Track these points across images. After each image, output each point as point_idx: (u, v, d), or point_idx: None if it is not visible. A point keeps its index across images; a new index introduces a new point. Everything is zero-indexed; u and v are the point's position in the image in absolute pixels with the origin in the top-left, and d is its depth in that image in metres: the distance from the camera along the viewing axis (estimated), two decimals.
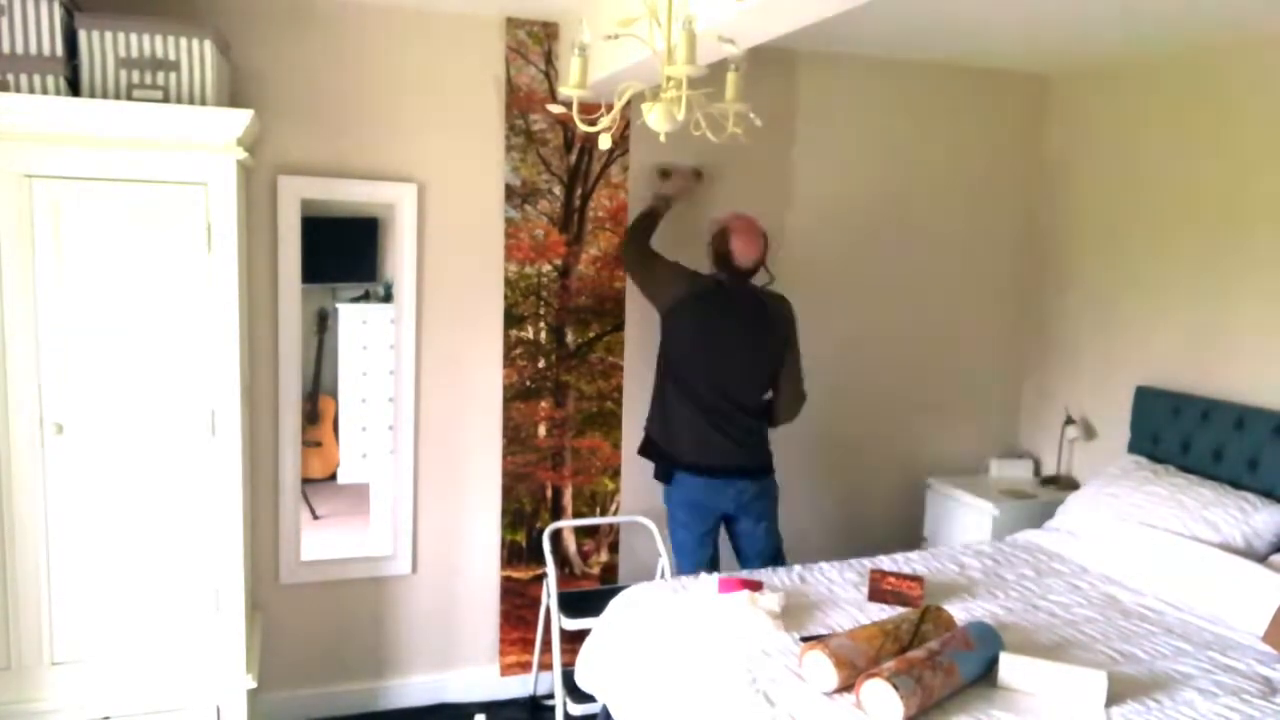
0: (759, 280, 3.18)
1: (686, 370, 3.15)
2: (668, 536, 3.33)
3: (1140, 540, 2.94)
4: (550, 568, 3.29)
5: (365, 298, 3.35)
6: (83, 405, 2.50)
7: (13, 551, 2.49)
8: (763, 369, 3.21)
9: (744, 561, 3.29)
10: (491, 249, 3.36)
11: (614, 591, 2.94)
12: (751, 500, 3.22)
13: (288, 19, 3.04)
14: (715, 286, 3.14)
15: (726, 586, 2.67)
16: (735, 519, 3.26)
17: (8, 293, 2.40)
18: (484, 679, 3.51)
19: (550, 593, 3.27)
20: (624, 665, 2.63)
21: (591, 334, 3.50)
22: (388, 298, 3.30)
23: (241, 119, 2.48)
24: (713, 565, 3.27)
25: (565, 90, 2.00)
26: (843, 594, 2.76)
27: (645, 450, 3.30)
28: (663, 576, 3.35)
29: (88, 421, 2.51)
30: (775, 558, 3.28)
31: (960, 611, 2.64)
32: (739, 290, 3.16)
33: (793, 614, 2.60)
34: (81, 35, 2.42)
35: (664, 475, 3.23)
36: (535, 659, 3.50)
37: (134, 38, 2.45)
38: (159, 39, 2.47)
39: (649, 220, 3.32)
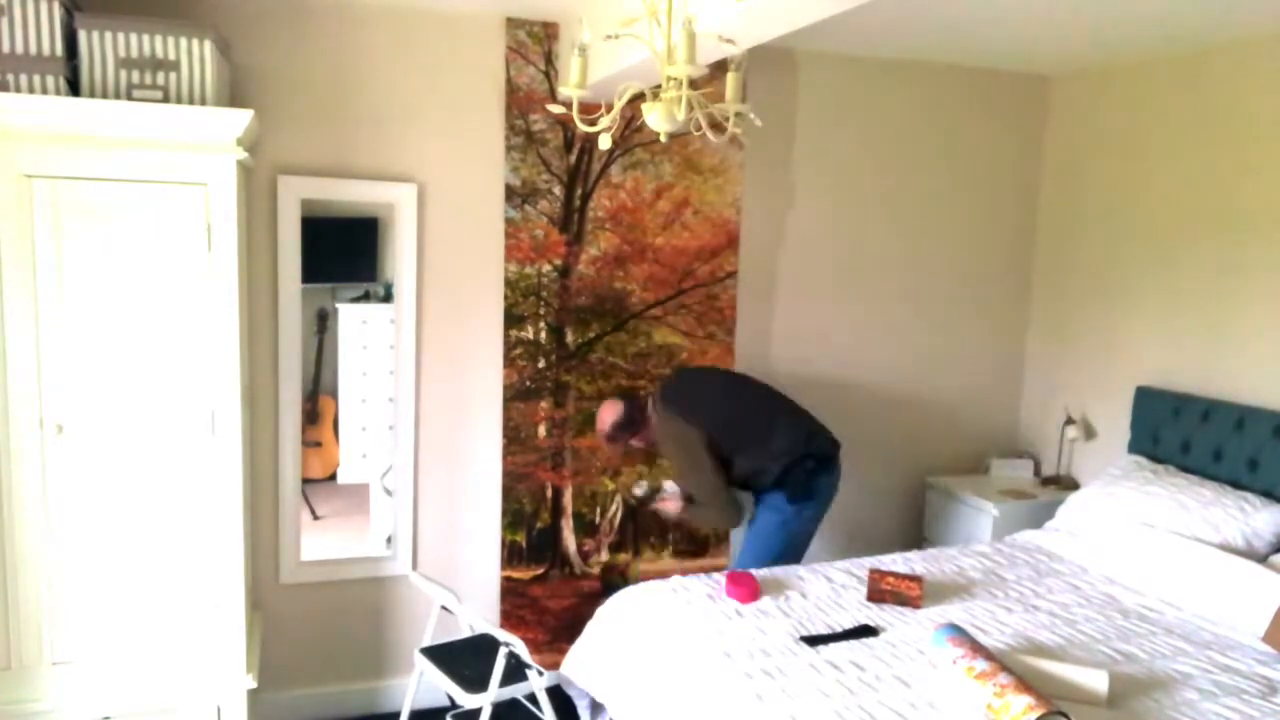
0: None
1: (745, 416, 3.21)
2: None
3: (1140, 540, 2.94)
4: None
5: (365, 298, 3.35)
6: (83, 405, 2.50)
7: (13, 551, 2.49)
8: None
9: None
10: (491, 249, 3.36)
11: None
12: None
13: (288, 19, 3.04)
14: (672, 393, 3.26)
15: (734, 587, 2.66)
16: None
17: (8, 293, 2.40)
18: None
19: None
20: (631, 667, 2.63)
21: (591, 334, 3.49)
22: (388, 298, 3.30)
23: (241, 119, 2.48)
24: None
25: (565, 90, 2.00)
26: (843, 594, 2.76)
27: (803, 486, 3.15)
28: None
29: (88, 421, 2.51)
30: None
31: (961, 611, 2.64)
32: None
33: (793, 614, 2.60)
34: (81, 35, 2.42)
35: (805, 488, 3.15)
36: None
37: (134, 38, 2.45)
38: (159, 39, 2.47)
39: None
